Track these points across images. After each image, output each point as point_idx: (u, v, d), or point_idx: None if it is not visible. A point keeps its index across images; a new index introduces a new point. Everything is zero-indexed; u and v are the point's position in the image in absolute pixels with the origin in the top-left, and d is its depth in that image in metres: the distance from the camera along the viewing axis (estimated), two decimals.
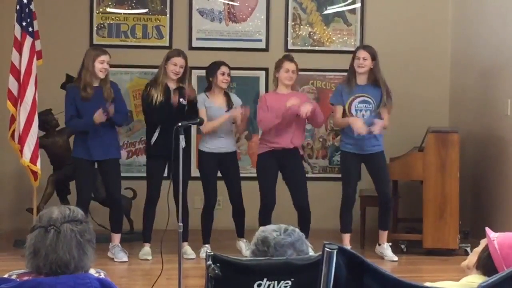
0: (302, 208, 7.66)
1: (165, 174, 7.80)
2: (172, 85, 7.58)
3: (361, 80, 7.67)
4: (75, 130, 7.59)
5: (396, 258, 7.65)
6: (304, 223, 7.57)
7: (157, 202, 7.62)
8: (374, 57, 7.64)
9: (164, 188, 7.51)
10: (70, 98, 7.44)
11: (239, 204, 7.79)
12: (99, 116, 7.25)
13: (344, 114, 7.71)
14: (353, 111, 7.65)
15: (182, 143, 7.44)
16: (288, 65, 7.64)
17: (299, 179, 7.70)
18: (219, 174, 7.83)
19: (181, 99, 7.54)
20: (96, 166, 7.60)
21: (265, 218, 7.43)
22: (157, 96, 7.49)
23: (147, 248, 7.62)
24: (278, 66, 7.70)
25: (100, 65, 7.36)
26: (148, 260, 7.49)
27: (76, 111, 7.40)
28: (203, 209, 7.78)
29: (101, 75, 7.39)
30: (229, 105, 7.76)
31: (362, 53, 7.65)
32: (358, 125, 7.49)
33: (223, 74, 7.69)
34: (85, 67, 7.39)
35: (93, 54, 7.43)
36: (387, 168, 7.80)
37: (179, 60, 7.58)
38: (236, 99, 7.89)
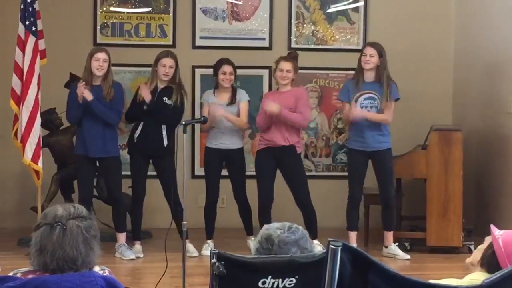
0: (304, 205, 7.70)
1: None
2: (161, 85, 7.64)
3: (368, 77, 7.69)
4: (77, 121, 7.54)
5: (408, 256, 7.65)
6: (308, 221, 7.60)
7: (143, 200, 7.66)
8: (381, 54, 7.66)
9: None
10: (72, 95, 7.49)
11: (244, 200, 7.82)
12: (78, 90, 7.32)
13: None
14: (358, 108, 7.67)
15: (165, 141, 7.55)
16: (283, 65, 7.68)
17: (298, 177, 7.72)
18: (224, 173, 7.86)
19: (164, 98, 7.60)
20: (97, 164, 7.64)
21: (263, 216, 7.48)
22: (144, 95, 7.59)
23: (137, 246, 7.66)
24: (276, 65, 7.75)
25: (96, 62, 7.40)
26: (140, 257, 7.53)
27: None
28: (205, 205, 7.81)
29: (97, 72, 7.41)
30: (232, 101, 7.80)
31: (369, 50, 7.68)
32: (353, 110, 7.60)
33: (224, 73, 7.75)
34: (85, 66, 7.48)
35: (90, 53, 7.51)
36: (393, 167, 7.79)
37: (167, 61, 7.62)
38: (242, 96, 7.90)
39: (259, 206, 7.67)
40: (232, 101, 7.79)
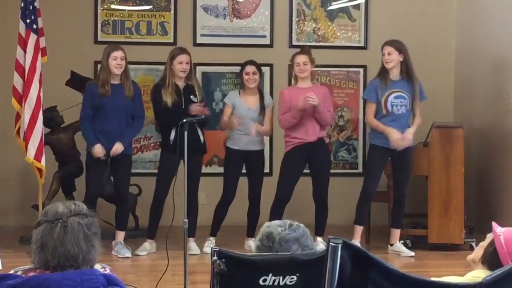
0: (321, 200, 7.71)
1: None
2: (180, 84, 7.60)
3: (394, 75, 7.65)
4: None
5: (413, 253, 7.65)
6: (320, 216, 7.65)
7: (165, 199, 7.63)
8: (400, 50, 7.61)
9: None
10: (87, 94, 7.47)
11: (257, 202, 7.82)
12: (99, 153, 7.38)
13: (378, 109, 7.66)
14: (389, 107, 7.60)
15: (201, 138, 7.53)
16: (298, 59, 7.69)
17: (324, 170, 7.74)
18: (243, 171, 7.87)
19: (191, 96, 7.58)
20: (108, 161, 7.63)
21: (276, 212, 7.45)
22: (169, 97, 7.51)
23: (147, 244, 7.65)
24: (292, 62, 7.75)
25: (114, 61, 7.39)
26: (143, 255, 7.53)
27: (93, 108, 7.41)
28: (219, 203, 7.80)
29: (116, 71, 7.41)
30: (261, 106, 7.78)
31: (386, 49, 7.63)
32: (396, 137, 7.48)
33: (247, 74, 7.73)
34: (102, 65, 7.47)
35: (106, 51, 7.47)
36: (412, 165, 7.76)
37: (184, 57, 7.60)
38: (268, 101, 7.92)
39: (275, 202, 7.66)
40: (261, 108, 7.77)
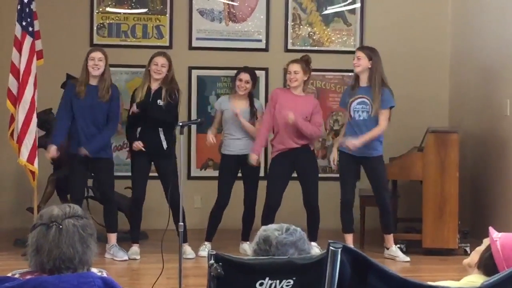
0: (312, 207, 7.72)
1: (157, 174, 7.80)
2: (154, 86, 7.61)
3: (363, 81, 7.66)
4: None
5: (408, 258, 7.66)
6: (312, 222, 7.64)
7: (143, 202, 7.65)
8: (370, 57, 7.61)
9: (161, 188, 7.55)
10: (65, 93, 7.57)
11: (253, 206, 7.83)
12: (51, 153, 7.49)
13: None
14: (352, 112, 7.65)
15: (164, 144, 7.53)
16: (290, 67, 7.73)
17: (310, 177, 7.75)
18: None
19: (158, 100, 7.58)
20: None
21: (267, 218, 7.44)
22: (140, 96, 7.59)
23: (135, 248, 7.64)
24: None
25: (91, 61, 7.44)
26: (137, 259, 7.52)
27: (69, 106, 7.47)
28: (213, 209, 7.80)
29: (93, 72, 7.45)
30: (251, 110, 7.82)
31: (357, 53, 7.68)
32: (350, 142, 7.54)
33: (240, 80, 7.76)
34: (82, 66, 7.52)
35: (87, 52, 7.53)
36: (385, 172, 7.76)
37: (159, 59, 7.62)
38: (258, 106, 7.96)
39: (265, 208, 7.66)
40: (251, 113, 7.81)
